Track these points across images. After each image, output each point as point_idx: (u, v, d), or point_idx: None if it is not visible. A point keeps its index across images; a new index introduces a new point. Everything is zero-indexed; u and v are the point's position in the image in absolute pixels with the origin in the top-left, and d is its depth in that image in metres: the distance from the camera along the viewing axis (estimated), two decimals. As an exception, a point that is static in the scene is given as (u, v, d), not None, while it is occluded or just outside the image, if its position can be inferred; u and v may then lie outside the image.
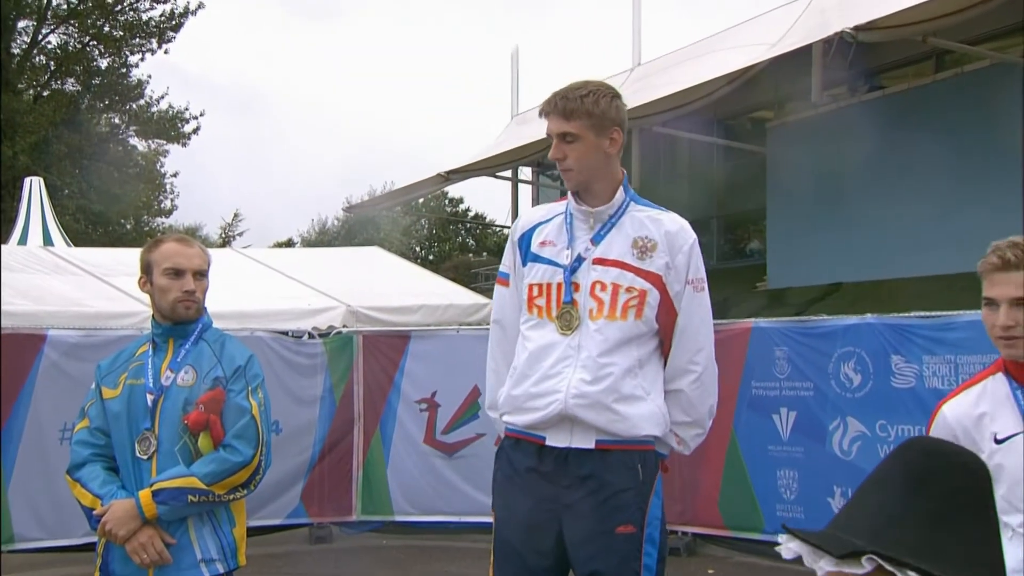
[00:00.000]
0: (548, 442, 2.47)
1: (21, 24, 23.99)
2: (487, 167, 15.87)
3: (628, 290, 2.47)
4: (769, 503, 5.73)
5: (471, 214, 37.42)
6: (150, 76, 26.37)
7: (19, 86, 23.37)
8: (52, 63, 24.58)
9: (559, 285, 2.50)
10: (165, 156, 28.47)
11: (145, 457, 2.58)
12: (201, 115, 26.80)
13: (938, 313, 5.21)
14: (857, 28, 8.87)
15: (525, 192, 21.06)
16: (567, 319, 2.48)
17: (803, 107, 12.67)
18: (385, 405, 6.62)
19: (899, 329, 5.28)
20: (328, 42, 73.75)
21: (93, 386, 2.71)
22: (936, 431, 2.12)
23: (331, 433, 6.54)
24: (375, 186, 35.95)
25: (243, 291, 7.56)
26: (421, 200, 31.49)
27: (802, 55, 10.47)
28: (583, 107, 2.43)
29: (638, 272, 2.48)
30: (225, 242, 31.93)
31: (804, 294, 11.41)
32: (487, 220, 35.72)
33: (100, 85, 25.24)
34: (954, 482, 1.00)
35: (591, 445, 2.43)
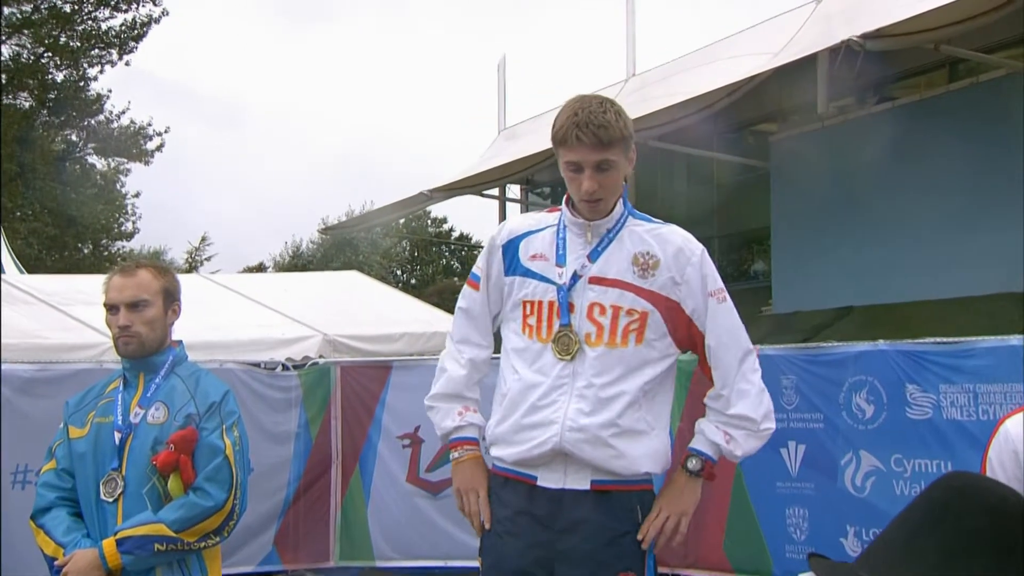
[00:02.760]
0: (540, 482, 2.43)
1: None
2: (473, 185, 15.93)
3: (629, 312, 2.43)
4: (778, 544, 5.73)
5: (456, 235, 37.49)
6: (110, 90, 26.37)
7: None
8: (3, 76, 24.60)
9: (551, 304, 2.45)
10: (126, 175, 28.48)
11: (110, 500, 2.58)
12: (165, 131, 26.88)
13: (956, 339, 5.25)
14: (865, 36, 8.99)
15: (513, 211, 21.12)
16: (565, 343, 2.43)
17: (808, 119, 12.80)
18: (365, 441, 6.61)
19: (914, 356, 5.32)
20: (300, 51, 74.03)
21: (61, 425, 2.71)
22: (996, 447, 2.13)
23: (307, 472, 6.52)
24: (353, 206, 36.04)
25: (211, 320, 7.57)
26: (403, 220, 31.54)
27: (807, 65, 10.60)
28: (619, 132, 2.39)
29: (639, 292, 2.44)
30: (192, 267, 31.86)
31: (812, 319, 11.47)
32: (473, 241, 35.80)
33: (56, 99, 25.25)
34: (974, 522, 1.02)
35: (587, 486, 2.41)
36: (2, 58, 22.65)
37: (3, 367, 5.63)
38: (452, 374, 2.58)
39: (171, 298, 2.75)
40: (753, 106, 12.65)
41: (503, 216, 20.48)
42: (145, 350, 2.65)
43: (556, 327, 2.44)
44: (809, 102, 12.76)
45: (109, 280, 2.71)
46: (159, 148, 26.74)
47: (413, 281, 36.38)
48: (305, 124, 67.28)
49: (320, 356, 7.38)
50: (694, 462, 2.48)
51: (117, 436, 2.60)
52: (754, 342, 8.73)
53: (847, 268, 11.57)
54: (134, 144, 26.33)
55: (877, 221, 11.35)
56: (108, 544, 2.51)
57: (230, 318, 8.16)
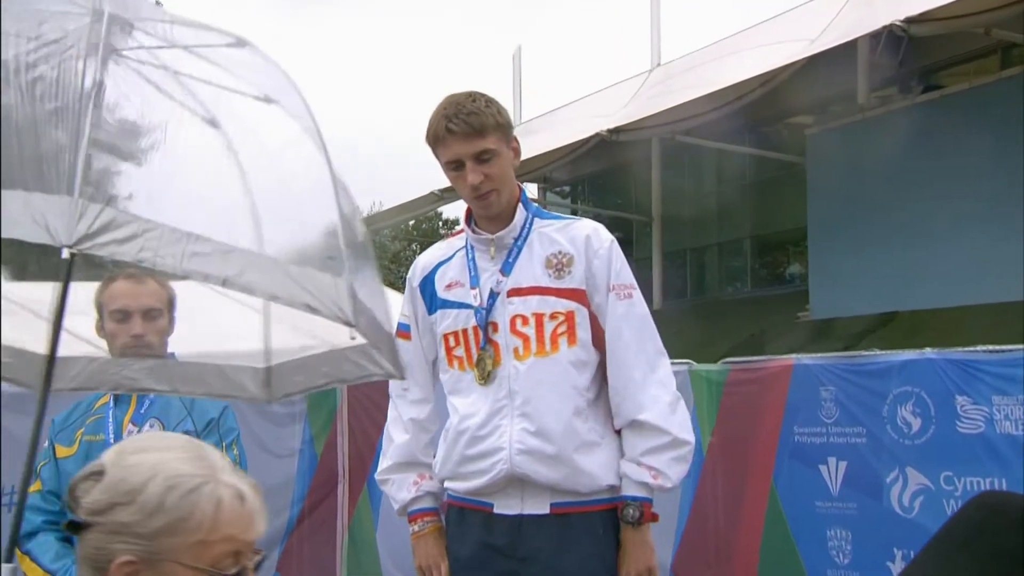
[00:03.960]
0: (496, 510, 2.46)
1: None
2: (487, 183, 15.90)
3: (552, 316, 2.45)
4: (818, 568, 5.69)
5: (469, 237, 37.49)
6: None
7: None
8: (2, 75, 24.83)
9: (475, 329, 2.48)
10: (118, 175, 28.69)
11: None
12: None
13: (1010, 347, 5.20)
14: (909, 20, 8.95)
15: (530, 211, 21.07)
16: (482, 367, 2.46)
17: (848, 111, 12.77)
18: (373, 458, 6.60)
19: (964, 365, 5.27)
20: (304, 39, 74.48)
21: (47, 443, 2.72)
22: None
23: (312, 491, 6.52)
24: (360, 206, 36.06)
25: (206, 328, 7.60)
26: (412, 222, 31.63)
27: (846, 52, 10.58)
28: (491, 119, 2.43)
29: (558, 292, 2.47)
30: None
31: (853, 325, 11.42)
32: (487, 244, 35.80)
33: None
34: (1007, 540, 1.03)
35: (546, 510, 2.43)
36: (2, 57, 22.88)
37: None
38: (398, 442, 2.61)
39: (173, 309, 2.79)
40: (787, 97, 12.61)
41: (520, 217, 20.48)
42: None
43: (479, 351, 2.48)
44: (848, 92, 12.75)
45: (110, 286, 2.72)
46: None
47: (424, 287, 36.41)
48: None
49: (325, 367, 7.39)
50: (631, 511, 2.44)
51: None
52: (789, 350, 8.69)
53: (890, 270, 11.51)
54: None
55: (922, 219, 11.28)
56: None
57: (227, 326, 8.18)
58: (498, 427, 2.43)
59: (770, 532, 5.85)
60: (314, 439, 6.54)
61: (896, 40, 10.13)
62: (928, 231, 11.16)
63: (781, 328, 12.79)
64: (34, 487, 2.70)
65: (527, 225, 2.52)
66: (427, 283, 2.59)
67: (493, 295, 2.48)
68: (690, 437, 2.48)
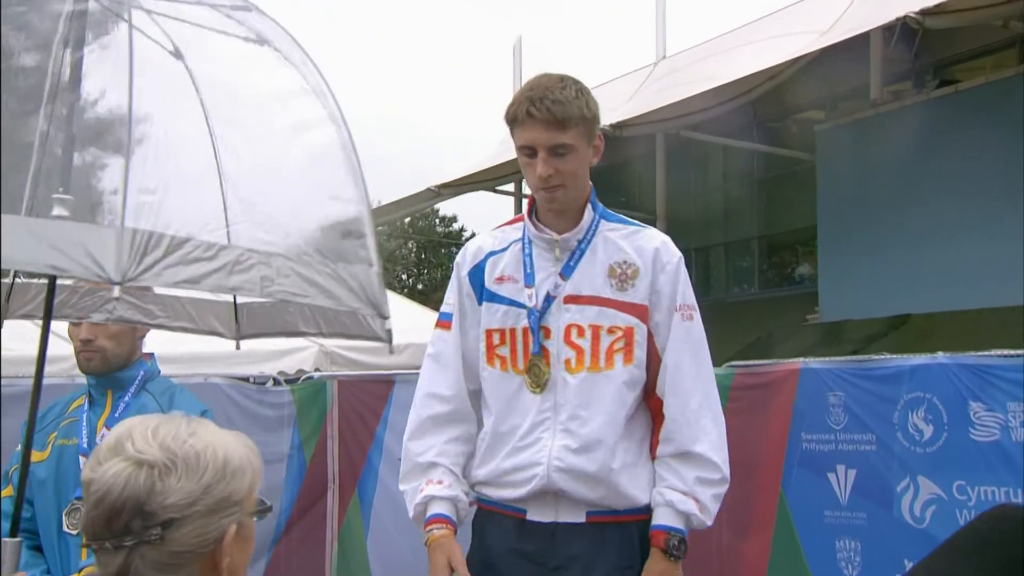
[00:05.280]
0: (530, 517, 2.42)
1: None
2: (485, 179, 15.96)
3: (611, 331, 2.38)
4: (826, 580, 5.68)
5: (467, 235, 37.58)
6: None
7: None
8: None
9: (525, 331, 2.40)
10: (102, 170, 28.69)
11: (75, 532, 2.58)
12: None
13: (1024, 351, 5.19)
14: (924, 12, 8.95)
15: (530, 209, 21.05)
16: (536, 374, 2.38)
17: (860, 106, 12.76)
18: (365, 463, 6.60)
19: (978, 371, 5.26)
20: (291, 20, 74.23)
21: (18, 447, 2.70)
22: None
23: (300, 498, 6.52)
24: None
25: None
26: (408, 219, 31.61)
27: (858, 45, 10.56)
28: (578, 111, 2.33)
29: (620, 306, 2.40)
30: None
31: (864, 328, 11.41)
32: (486, 242, 35.78)
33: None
34: (1015, 551, 1.03)
35: (581, 519, 2.39)
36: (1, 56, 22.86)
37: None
38: (409, 447, 2.52)
39: None
40: (797, 92, 12.61)
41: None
42: (110, 366, 2.64)
43: (529, 356, 2.40)
44: (860, 87, 12.74)
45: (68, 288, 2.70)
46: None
47: (420, 286, 36.50)
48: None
49: (316, 369, 7.41)
50: (675, 542, 2.40)
51: (83, 461, 2.59)
52: (799, 354, 8.66)
53: (903, 271, 11.50)
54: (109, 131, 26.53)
55: (937, 218, 11.27)
56: None
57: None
58: (538, 440, 2.37)
59: (779, 541, 5.83)
60: (303, 444, 6.54)
61: (910, 33, 10.12)
62: (943, 231, 11.15)
63: (789, 330, 12.79)
64: (4, 492, 2.68)
65: (593, 226, 2.45)
66: (477, 271, 2.50)
67: (549, 298, 2.40)
68: (728, 474, 2.44)
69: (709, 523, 2.40)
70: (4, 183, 1.70)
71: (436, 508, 2.47)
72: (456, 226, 37.90)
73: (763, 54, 11.74)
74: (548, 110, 2.29)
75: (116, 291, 1.70)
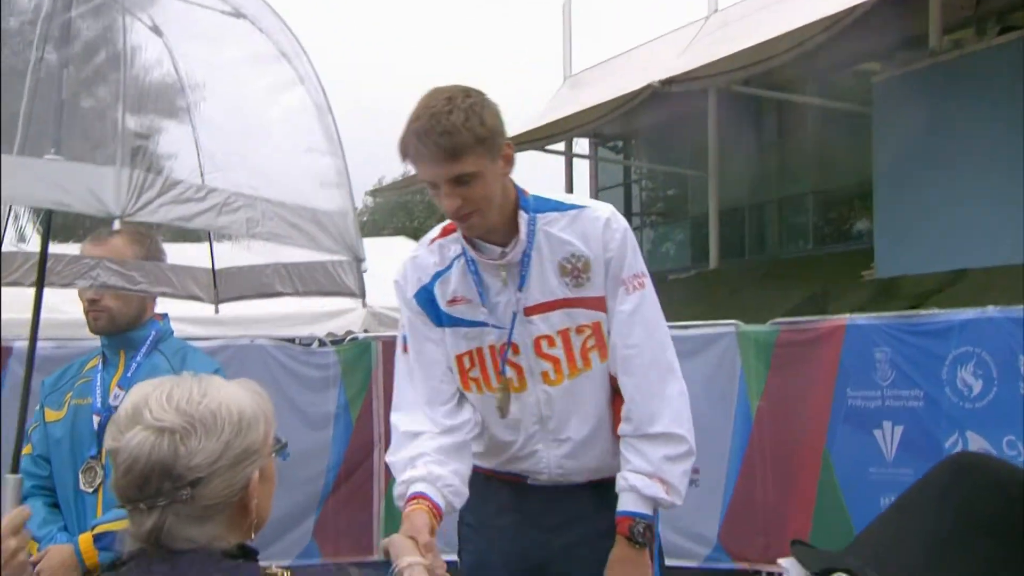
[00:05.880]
0: (531, 481, 2.41)
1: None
2: (535, 139, 15.92)
3: (579, 330, 2.30)
4: (873, 537, 5.68)
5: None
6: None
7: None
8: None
9: (492, 349, 2.32)
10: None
11: (90, 490, 2.62)
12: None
13: (1078, 303, 5.11)
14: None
15: (581, 168, 21.07)
16: (503, 398, 2.33)
17: (918, 56, 12.48)
18: (411, 423, 6.69)
19: (1028, 324, 5.20)
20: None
21: (38, 407, 2.77)
22: None
23: (347, 457, 6.63)
24: (407, 166, 36.00)
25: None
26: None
27: (914, -8, 10.32)
28: (470, 137, 2.12)
29: (581, 303, 2.30)
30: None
31: (920, 284, 11.25)
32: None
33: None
34: (980, 503, 1.03)
35: (584, 479, 2.40)
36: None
37: (15, 344, 5.83)
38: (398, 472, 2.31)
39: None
40: (853, 43, 12.34)
41: (570, 173, 20.41)
42: (117, 325, 2.67)
43: (499, 378, 2.33)
44: (919, 36, 12.45)
45: (81, 249, 2.73)
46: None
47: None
48: (354, 75, 67.79)
49: (364, 330, 7.47)
50: (640, 528, 2.26)
51: (96, 420, 2.62)
52: (854, 310, 8.58)
53: (960, 226, 11.30)
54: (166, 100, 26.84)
55: (996, 172, 11.03)
56: (84, 540, 2.52)
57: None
58: (535, 452, 2.37)
59: (823, 499, 5.83)
60: (349, 404, 6.64)
61: (970, -22, 9.87)
62: (1002, 183, 10.91)
63: (845, 288, 12.64)
64: (24, 450, 2.75)
65: (531, 231, 2.29)
66: (424, 294, 2.36)
67: (513, 315, 2.30)
68: (693, 438, 2.34)
69: (679, 502, 2.30)
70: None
71: (417, 488, 2.26)
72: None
73: (817, 4, 11.54)
74: (436, 144, 2.12)
75: (116, 224, 1.79)
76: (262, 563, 1.55)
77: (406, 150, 2.18)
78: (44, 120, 1.86)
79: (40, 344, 6.09)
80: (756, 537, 5.96)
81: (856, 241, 15.33)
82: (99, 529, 2.54)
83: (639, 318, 2.29)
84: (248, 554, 1.53)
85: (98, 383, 2.68)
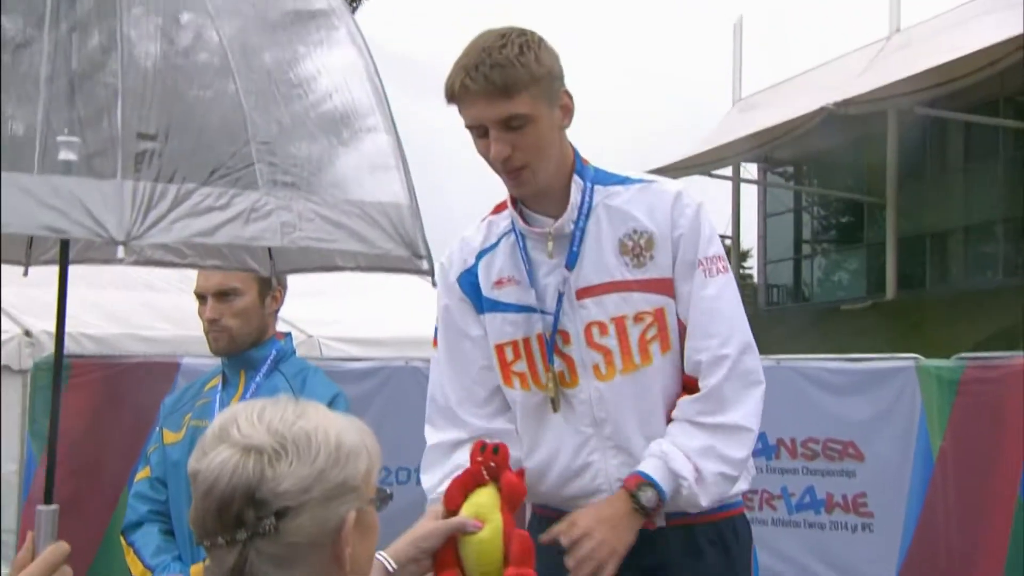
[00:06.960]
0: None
1: None
2: (701, 164, 15.76)
3: (638, 318, 2.02)
4: (1072, 598, 5.24)
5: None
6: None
7: None
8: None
9: (540, 338, 2.06)
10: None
11: None
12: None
13: None
14: None
15: (750, 194, 20.65)
16: (555, 390, 2.06)
17: (1124, 74, 11.71)
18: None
19: None
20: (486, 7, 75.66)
21: (157, 428, 2.76)
22: None
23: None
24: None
25: (401, 312, 7.74)
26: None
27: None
28: (524, 72, 1.92)
29: (642, 286, 2.03)
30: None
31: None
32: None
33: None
34: None
35: (661, 522, 2.03)
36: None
37: (184, 360, 5.99)
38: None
39: (267, 284, 2.68)
40: (1050, 61, 11.71)
41: (737, 200, 20.02)
42: (237, 345, 2.62)
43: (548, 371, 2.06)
44: (1125, 52, 11.67)
45: None
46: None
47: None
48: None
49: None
50: (649, 495, 1.95)
51: None
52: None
53: None
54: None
55: None
56: (196, 571, 2.46)
57: (424, 309, 8.35)
58: (589, 465, 2.07)
59: (1015, 553, 5.43)
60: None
61: None
62: None
63: (1037, 324, 11.92)
64: (142, 473, 2.72)
65: (586, 199, 2.06)
66: (468, 277, 2.15)
67: (559, 297, 2.05)
68: (752, 468, 2.09)
69: (704, 504, 1.98)
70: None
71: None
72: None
73: (1010, 21, 11.01)
74: (486, 78, 1.90)
75: (120, 251, 1.61)
76: None
77: (452, 89, 1.96)
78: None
79: (203, 360, 6.24)
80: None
81: (1050, 274, 14.53)
82: (195, 568, 2.49)
83: (724, 304, 2.04)
84: None
85: (217, 404, 2.64)
